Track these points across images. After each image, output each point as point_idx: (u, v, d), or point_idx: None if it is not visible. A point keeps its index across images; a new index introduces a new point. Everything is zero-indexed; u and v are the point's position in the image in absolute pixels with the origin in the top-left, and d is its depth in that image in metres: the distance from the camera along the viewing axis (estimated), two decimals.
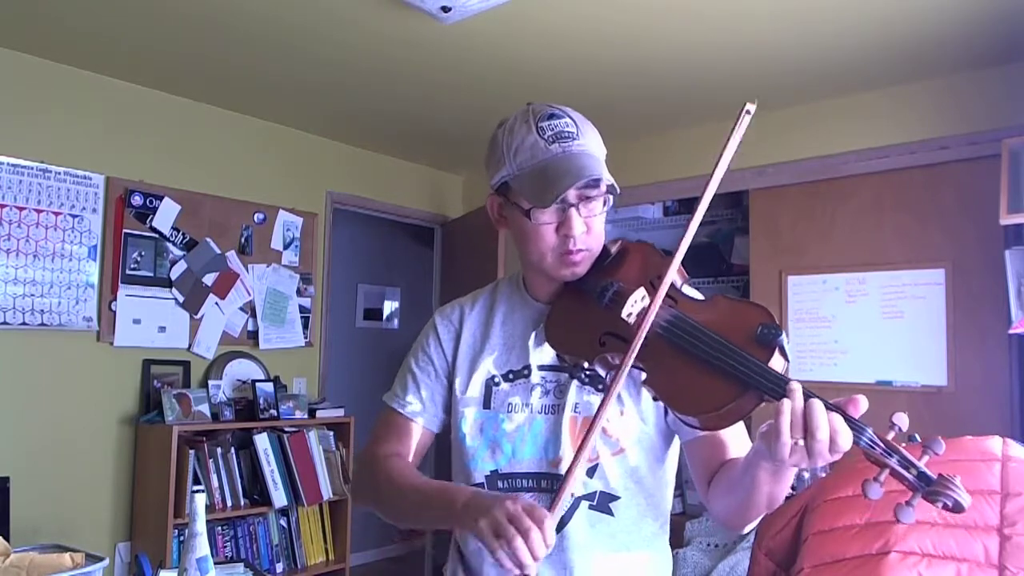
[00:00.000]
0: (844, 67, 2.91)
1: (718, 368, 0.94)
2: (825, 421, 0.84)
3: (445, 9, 2.37)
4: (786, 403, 0.86)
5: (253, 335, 3.63)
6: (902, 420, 0.85)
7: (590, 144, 1.11)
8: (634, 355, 0.97)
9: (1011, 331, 2.62)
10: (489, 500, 0.95)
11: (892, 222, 3.10)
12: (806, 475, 2.63)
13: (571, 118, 1.12)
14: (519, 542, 0.87)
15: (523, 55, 2.84)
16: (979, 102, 2.90)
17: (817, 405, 0.85)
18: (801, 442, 0.85)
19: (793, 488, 2.83)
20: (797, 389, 0.87)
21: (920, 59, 2.82)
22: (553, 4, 2.43)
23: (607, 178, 1.07)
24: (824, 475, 2.33)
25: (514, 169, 1.10)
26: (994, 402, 2.81)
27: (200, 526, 1.18)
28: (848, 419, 0.85)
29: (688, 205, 4.12)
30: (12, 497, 2.73)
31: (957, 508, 0.82)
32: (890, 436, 0.86)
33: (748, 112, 1.00)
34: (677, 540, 2.99)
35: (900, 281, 3.07)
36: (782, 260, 3.39)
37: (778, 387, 0.89)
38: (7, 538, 2.13)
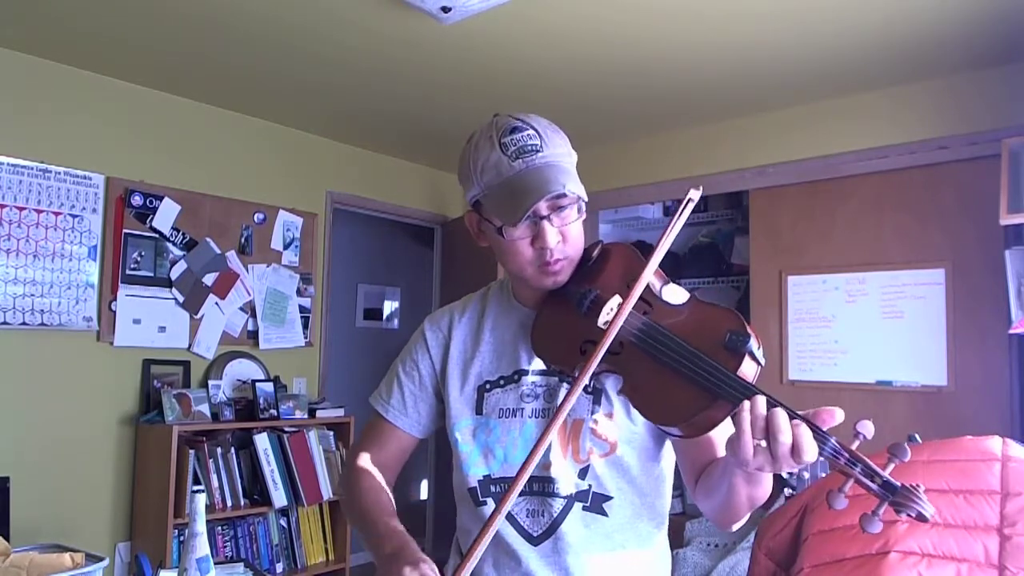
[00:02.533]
0: (844, 67, 2.91)
1: (688, 377, 0.94)
2: (787, 425, 0.85)
3: (445, 9, 2.37)
4: (745, 404, 0.87)
5: (253, 335, 3.63)
6: (867, 429, 0.84)
7: (555, 153, 1.09)
8: (596, 363, 0.98)
9: (1011, 331, 2.62)
10: (398, 562, 0.96)
11: (892, 222, 3.10)
12: (806, 475, 2.63)
13: (534, 129, 1.09)
14: None
15: (523, 55, 2.84)
16: (979, 102, 2.91)
17: (780, 412, 0.86)
18: (763, 444, 0.86)
19: (793, 488, 2.82)
20: (758, 396, 0.87)
21: (920, 59, 2.82)
22: (553, 4, 2.43)
23: (573, 189, 1.05)
24: (824, 475, 2.34)
25: (482, 188, 1.10)
26: (994, 402, 2.81)
27: (200, 526, 1.18)
28: (813, 429, 0.85)
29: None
30: (12, 497, 2.73)
31: (921, 518, 0.82)
32: (855, 445, 0.85)
33: (691, 200, 1.05)
34: (677, 540, 2.99)
35: (900, 281, 3.07)
36: (782, 260, 3.39)
37: (746, 396, 0.89)
38: (7, 538, 2.13)
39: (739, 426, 0.86)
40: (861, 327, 3.15)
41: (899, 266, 3.07)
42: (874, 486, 0.84)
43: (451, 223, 4.63)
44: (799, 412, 0.87)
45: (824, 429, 0.86)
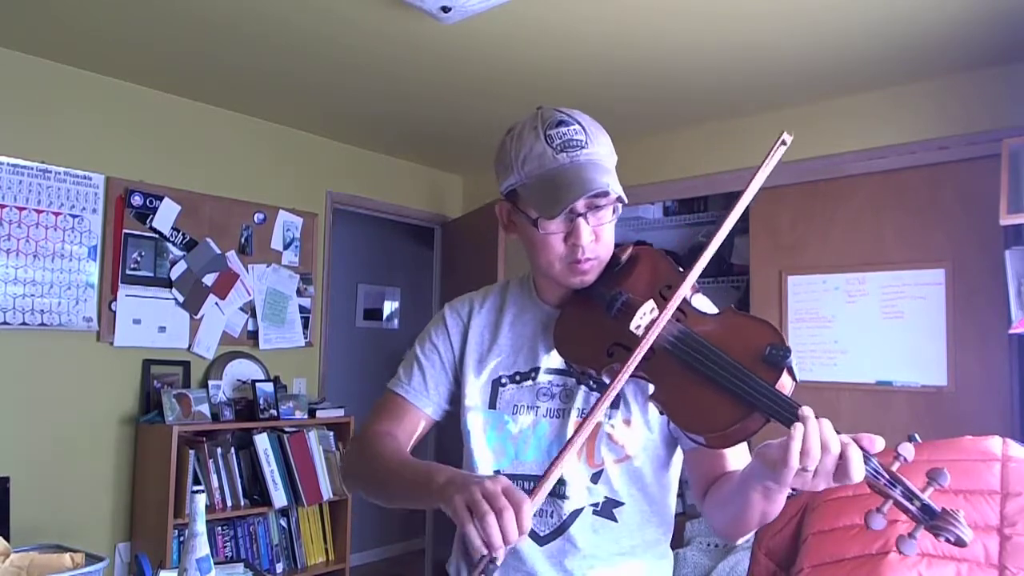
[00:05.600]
0: (844, 67, 2.91)
1: (725, 388, 0.93)
2: (837, 442, 0.83)
3: (445, 9, 2.37)
4: (798, 428, 0.84)
5: (253, 335, 3.63)
6: (908, 451, 0.84)
7: (599, 152, 1.09)
8: (632, 368, 0.97)
9: (1011, 331, 2.62)
10: (470, 477, 0.92)
11: (892, 222, 3.10)
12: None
13: (580, 125, 1.09)
14: (491, 519, 0.83)
15: (523, 55, 2.84)
16: (979, 102, 2.90)
17: (829, 425, 0.84)
18: (809, 466, 0.84)
19: (793, 489, 2.83)
20: (810, 415, 0.85)
21: (920, 59, 2.82)
22: (553, 4, 2.43)
23: (615, 189, 1.05)
24: None
25: (522, 177, 1.09)
26: (994, 402, 2.81)
27: (200, 526, 1.18)
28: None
29: (688, 205, 4.12)
30: (12, 497, 2.73)
31: (959, 543, 0.82)
32: (895, 467, 0.85)
33: (784, 143, 1.01)
34: (677, 540, 2.99)
35: (900, 281, 3.07)
36: (782, 260, 3.39)
37: (787, 411, 0.88)
38: (7, 538, 2.13)
39: (791, 441, 0.83)
40: (861, 327, 3.15)
41: (899, 266, 3.07)
42: (913, 508, 0.84)
43: (451, 223, 4.63)
44: (847, 436, 0.86)
45: (871, 452, 0.85)
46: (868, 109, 3.17)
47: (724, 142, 3.59)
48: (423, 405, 1.22)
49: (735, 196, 1.02)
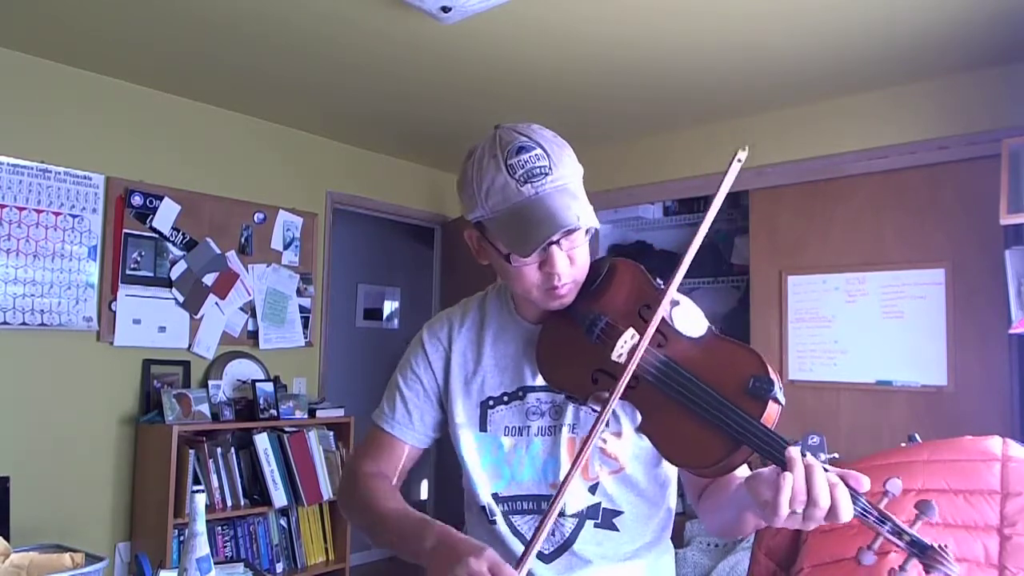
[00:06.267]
0: (844, 67, 2.91)
1: (710, 422, 0.93)
2: (827, 493, 0.82)
3: (445, 9, 2.37)
4: (787, 478, 0.83)
5: (253, 335, 3.63)
6: (895, 486, 0.85)
7: (564, 175, 1.02)
8: (616, 399, 0.96)
9: (1011, 331, 2.62)
10: (456, 551, 0.91)
11: (892, 222, 3.10)
12: None
13: (542, 148, 1.02)
14: None
15: (523, 55, 2.84)
16: (979, 102, 2.90)
17: (818, 474, 0.83)
18: (798, 510, 0.83)
19: None
20: (796, 459, 0.84)
21: (920, 59, 2.82)
22: (553, 4, 2.43)
23: (585, 222, 1.00)
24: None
25: (487, 211, 1.03)
26: (994, 402, 2.81)
27: (200, 526, 1.18)
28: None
29: (688, 205, 4.11)
30: (12, 497, 2.73)
31: None
32: (883, 504, 0.85)
33: (739, 160, 1.00)
34: (677, 540, 2.99)
35: (900, 281, 3.07)
36: (782, 260, 3.39)
37: (774, 448, 0.88)
38: (7, 538, 2.13)
39: (779, 493, 0.83)
40: (861, 327, 3.15)
41: (899, 266, 3.07)
42: (902, 544, 0.84)
43: (451, 223, 4.63)
44: (829, 468, 0.85)
45: (859, 492, 0.85)
46: (868, 109, 3.17)
47: (724, 142, 3.59)
48: (408, 438, 1.21)
49: (707, 201, 1.02)
